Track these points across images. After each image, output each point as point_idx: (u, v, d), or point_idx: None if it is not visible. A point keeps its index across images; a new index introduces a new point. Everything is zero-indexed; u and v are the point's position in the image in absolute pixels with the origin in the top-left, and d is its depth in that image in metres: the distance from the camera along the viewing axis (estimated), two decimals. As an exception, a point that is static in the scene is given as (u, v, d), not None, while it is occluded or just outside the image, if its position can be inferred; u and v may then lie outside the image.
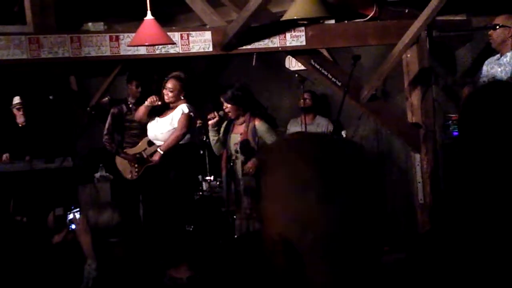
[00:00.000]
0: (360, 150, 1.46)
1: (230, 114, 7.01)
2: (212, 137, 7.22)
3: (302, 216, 1.36)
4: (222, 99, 6.99)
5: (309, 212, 1.36)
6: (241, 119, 7.05)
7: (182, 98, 7.62)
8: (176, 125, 7.59)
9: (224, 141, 7.17)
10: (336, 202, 1.36)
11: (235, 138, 7.08)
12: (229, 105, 6.97)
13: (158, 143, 7.85)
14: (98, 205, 5.28)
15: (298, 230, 1.36)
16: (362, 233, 1.39)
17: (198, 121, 8.14)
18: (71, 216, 5.52)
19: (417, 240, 2.20)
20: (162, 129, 7.70)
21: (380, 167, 1.73)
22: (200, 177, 8.37)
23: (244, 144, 6.97)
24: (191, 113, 7.52)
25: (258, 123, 6.94)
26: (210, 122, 7.15)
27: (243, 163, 7.10)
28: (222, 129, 7.22)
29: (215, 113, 7.13)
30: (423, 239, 2.15)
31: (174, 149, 7.61)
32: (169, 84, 7.59)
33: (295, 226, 1.37)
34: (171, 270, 4.40)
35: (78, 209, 5.55)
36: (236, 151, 7.13)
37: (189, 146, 7.76)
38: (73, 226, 5.29)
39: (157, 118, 7.72)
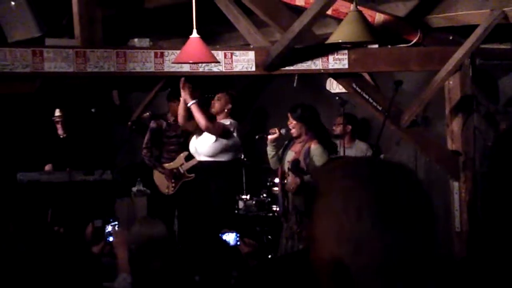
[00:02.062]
0: (414, 175, 1.47)
1: (293, 131, 6.98)
2: (269, 152, 7.20)
3: (357, 238, 1.38)
4: (289, 115, 6.97)
5: (363, 235, 1.37)
6: (302, 138, 7.00)
7: (226, 111, 7.72)
8: (214, 139, 7.63)
9: (281, 157, 7.16)
10: (391, 227, 1.37)
11: (290, 155, 7.06)
12: (294, 122, 6.95)
13: (197, 156, 7.88)
14: (146, 219, 5.30)
15: (352, 251, 1.38)
16: (416, 257, 1.39)
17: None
18: (109, 228, 5.55)
19: (453, 268, 2.20)
20: (203, 142, 7.73)
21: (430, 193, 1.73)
22: (236, 195, 8.41)
23: (294, 163, 6.95)
24: (230, 127, 7.58)
25: (314, 146, 6.88)
26: (270, 137, 7.15)
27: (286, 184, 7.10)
28: (284, 144, 7.23)
29: (277, 130, 7.13)
30: (458, 267, 2.14)
31: (217, 166, 7.64)
32: (219, 95, 7.75)
33: (348, 247, 1.38)
34: None
35: (116, 222, 5.59)
36: (288, 169, 7.14)
37: (232, 163, 7.80)
38: (111, 239, 5.33)
39: (197, 135, 7.78)
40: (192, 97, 7.40)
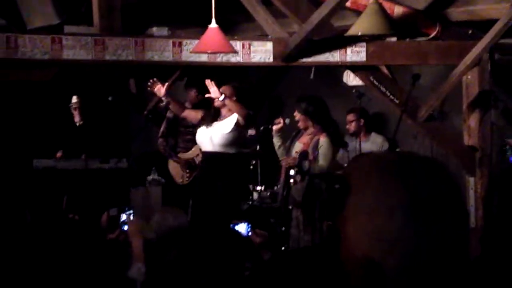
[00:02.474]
0: (446, 170, 1.45)
1: (300, 124, 7.01)
2: (276, 142, 7.22)
3: (389, 236, 1.36)
4: (295, 108, 7.00)
5: (396, 232, 1.35)
6: (310, 130, 7.02)
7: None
8: (228, 130, 7.51)
9: (288, 148, 7.18)
10: (424, 225, 1.36)
11: (298, 146, 7.07)
12: (299, 115, 6.97)
13: (205, 146, 7.73)
14: (167, 209, 5.30)
15: (384, 250, 1.36)
16: (449, 255, 1.38)
17: (251, 131, 8.16)
18: (124, 217, 5.58)
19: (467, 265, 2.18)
20: (215, 132, 7.61)
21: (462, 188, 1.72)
22: (251, 186, 8.39)
23: (302, 155, 6.97)
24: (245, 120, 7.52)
25: (322, 139, 6.89)
26: (274, 127, 7.16)
27: (296, 173, 7.10)
28: (292, 135, 7.24)
29: (281, 120, 7.15)
30: (473, 265, 2.13)
31: (222, 159, 7.57)
32: (222, 89, 7.61)
33: (380, 246, 1.36)
34: None
35: (132, 211, 5.61)
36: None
37: (237, 156, 7.71)
38: (126, 227, 5.35)
39: (206, 126, 7.66)
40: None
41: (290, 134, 7.35)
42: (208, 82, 7.10)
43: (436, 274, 1.36)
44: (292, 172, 6.96)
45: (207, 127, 7.63)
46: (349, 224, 1.41)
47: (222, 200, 7.50)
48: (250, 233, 5.10)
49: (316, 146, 6.91)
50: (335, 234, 1.45)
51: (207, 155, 7.64)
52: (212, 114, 7.54)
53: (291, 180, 7.04)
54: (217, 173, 7.49)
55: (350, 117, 8.15)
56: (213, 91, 7.14)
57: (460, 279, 1.40)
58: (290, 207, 7.21)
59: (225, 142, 7.49)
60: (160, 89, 7.24)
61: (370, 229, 1.37)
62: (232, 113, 7.50)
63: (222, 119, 7.57)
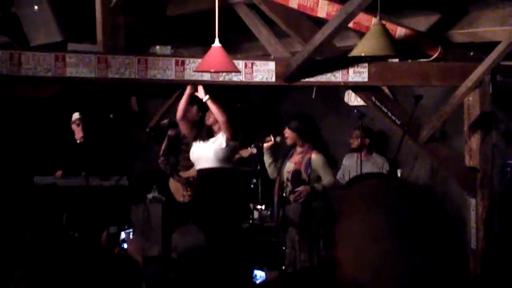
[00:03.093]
0: (435, 198, 1.47)
1: (288, 140, 7.09)
2: (266, 159, 7.28)
3: (375, 263, 1.39)
4: (285, 125, 7.06)
5: (381, 258, 1.39)
6: (299, 149, 7.09)
7: None
8: (224, 144, 7.49)
9: (280, 167, 7.21)
10: (410, 251, 1.38)
11: (289, 166, 7.13)
12: (289, 131, 7.05)
13: (201, 163, 7.72)
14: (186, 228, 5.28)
15: (371, 276, 1.40)
16: (435, 280, 1.39)
17: (252, 149, 8.15)
18: (124, 235, 5.57)
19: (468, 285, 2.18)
20: (208, 149, 7.59)
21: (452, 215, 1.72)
22: (251, 205, 8.39)
23: (295, 174, 7.02)
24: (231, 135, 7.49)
25: (314, 156, 6.98)
26: (265, 145, 7.21)
27: (290, 193, 7.13)
28: (282, 154, 7.27)
29: (271, 137, 7.20)
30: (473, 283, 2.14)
31: (220, 174, 7.56)
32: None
33: (368, 272, 1.40)
34: None
35: (131, 229, 5.60)
36: (288, 179, 7.18)
37: (233, 171, 7.71)
38: (125, 245, 5.35)
39: (202, 142, 7.66)
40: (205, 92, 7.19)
41: (282, 152, 7.38)
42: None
43: None
44: (287, 191, 7.00)
45: (201, 144, 7.64)
46: (339, 250, 1.46)
47: (222, 214, 7.49)
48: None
49: (308, 165, 6.98)
50: (330, 258, 1.48)
51: (203, 172, 7.63)
52: (205, 132, 7.58)
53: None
54: (215, 188, 7.49)
55: (356, 133, 8.17)
56: (200, 90, 7.09)
57: None
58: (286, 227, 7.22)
59: (220, 157, 7.50)
60: (200, 90, 7.17)
61: (357, 255, 1.42)
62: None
63: (216, 135, 7.61)
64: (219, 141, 7.52)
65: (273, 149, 7.30)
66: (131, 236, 5.52)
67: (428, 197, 1.46)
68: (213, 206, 7.49)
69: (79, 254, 1.57)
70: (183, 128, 7.81)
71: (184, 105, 7.47)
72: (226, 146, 7.49)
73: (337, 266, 1.46)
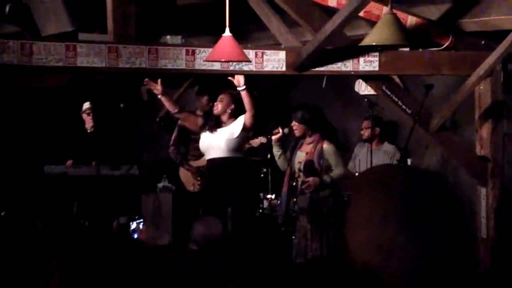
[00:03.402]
0: (444, 182, 1.49)
1: (296, 132, 7.09)
2: (275, 151, 7.28)
3: (384, 244, 1.42)
4: (292, 117, 7.07)
5: (390, 240, 1.42)
6: (309, 139, 7.09)
7: (229, 111, 7.62)
8: (236, 134, 7.52)
9: (290, 158, 7.22)
10: (418, 234, 1.40)
11: (300, 156, 7.12)
12: (296, 124, 7.05)
13: (211, 153, 7.75)
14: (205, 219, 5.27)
15: (381, 257, 1.42)
16: (445, 264, 1.41)
17: (262, 139, 8.17)
18: (134, 225, 5.59)
19: (479, 277, 2.22)
20: (220, 138, 7.62)
21: (463, 201, 1.73)
22: (261, 194, 8.40)
23: (308, 164, 7.02)
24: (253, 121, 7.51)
25: (326, 146, 6.99)
26: (273, 137, 7.22)
27: (303, 183, 7.14)
28: (291, 145, 7.27)
29: (280, 129, 7.20)
30: (485, 276, 2.16)
31: (230, 163, 7.58)
32: (221, 96, 7.68)
33: (377, 254, 1.43)
34: None
35: (142, 219, 5.62)
36: (299, 170, 7.18)
37: (244, 161, 7.74)
38: (136, 236, 5.37)
39: (210, 132, 7.67)
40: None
41: (290, 143, 7.38)
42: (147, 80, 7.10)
43: (434, 279, 1.41)
44: (300, 181, 7.01)
45: (210, 134, 7.65)
46: (349, 236, 1.49)
47: (233, 204, 7.52)
48: None
49: (320, 154, 6.98)
50: (342, 245, 1.53)
51: (214, 162, 7.66)
52: (213, 121, 7.59)
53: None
54: (226, 178, 7.52)
55: (366, 123, 8.16)
56: (238, 78, 7.07)
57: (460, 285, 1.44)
58: (295, 216, 7.23)
59: (232, 147, 7.52)
60: (156, 86, 7.29)
61: (367, 239, 1.45)
62: (235, 119, 7.56)
63: (226, 125, 7.62)
64: (231, 130, 7.53)
65: (282, 140, 7.30)
66: (141, 227, 5.53)
67: (439, 183, 1.49)
68: (223, 196, 7.52)
69: (114, 246, 1.57)
70: (188, 121, 7.83)
71: (167, 101, 7.53)
72: (238, 135, 7.51)
73: (348, 252, 1.49)
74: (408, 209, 1.42)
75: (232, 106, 7.60)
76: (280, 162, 7.36)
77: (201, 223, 4.98)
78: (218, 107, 7.58)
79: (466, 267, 1.45)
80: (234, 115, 7.62)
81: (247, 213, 7.75)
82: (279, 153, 7.30)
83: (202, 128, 7.69)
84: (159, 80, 7.29)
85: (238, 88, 7.18)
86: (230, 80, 7.13)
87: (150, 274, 1.52)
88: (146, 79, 7.17)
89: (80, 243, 1.57)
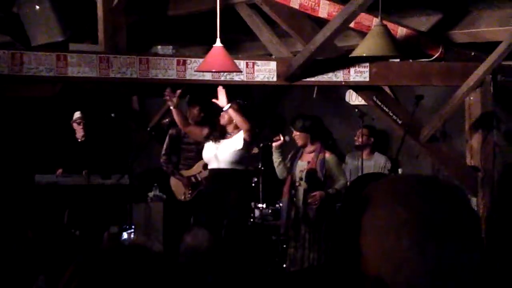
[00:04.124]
0: (458, 192, 1.49)
1: (298, 141, 7.05)
2: (276, 158, 7.22)
3: (397, 256, 1.41)
4: (291, 127, 7.04)
5: (403, 253, 1.41)
6: (311, 148, 7.04)
7: (235, 122, 7.63)
8: (239, 147, 7.52)
9: (290, 167, 7.18)
10: (431, 247, 1.40)
11: (302, 165, 7.08)
12: (297, 133, 7.02)
13: (214, 163, 7.73)
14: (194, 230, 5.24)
15: (392, 270, 1.41)
16: (459, 276, 1.41)
17: (255, 149, 8.17)
18: (125, 235, 5.58)
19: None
20: (224, 150, 7.60)
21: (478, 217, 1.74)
22: (252, 204, 8.40)
23: (310, 173, 6.99)
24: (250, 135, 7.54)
25: (328, 156, 6.94)
26: (274, 144, 7.17)
27: (306, 191, 7.12)
28: (290, 154, 7.25)
29: (281, 136, 7.17)
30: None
31: (235, 174, 7.58)
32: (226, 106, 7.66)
33: (389, 265, 1.42)
34: None
35: (132, 229, 5.61)
36: (301, 178, 7.16)
37: (245, 173, 7.74)
38: (127, 246, 5.35)
39: (214, 142, 7.68)
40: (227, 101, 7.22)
41: (289, 152, 7.37)
42: (220, 88, 7.01)
43: None
44: (300, 192, 6.98)
45: (215, 144, 7.61)
46: (363, 242, 1.47)
47: (232, 218, 7.52)
48: None
49: (323, 164, 6.94)
50: (349, 252, 1.51)
51: (216, 172, 7.61)
52: (218, 132, 7.54)
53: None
54: (226, 189, 7.49)
55: (363, 131, 8.14)
56: (221, 99, 7.05)
57: None
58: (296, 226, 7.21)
59: (236, 159, 7.48)
60: (173, 99, 7.18)
61: (380, 249, 1.43)
62: (239, 130, 7.51)
63: (230, 137, 7.59)
64: (234, 142, 7.48)
65: (282, 148, 7.28)
66: (132, 236, 5.52)
67: (457, 197, 1.48)
68: (222, 206, 7.52)
69: (129, 254, 1.59)
70: (194, 134, 7.77)
71: (177, 116, 7.43)
72: (243, 147, 7.51)
73: (361, 258, 1.48)
74: (422, 224, 1.41)
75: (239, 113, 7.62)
76: (279, 169, 7.30)
77: (190, 235, 4.95)
78: (224, 118, 7.53)
79: (478, 284, 1.44)
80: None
81: (242, 225, 7.74)
82: (279, 160, 7.24)
83: (207, 139, 7.64)
84: (177, 92, 7.19)
85: (224, 109, 7.13)
86: (213, 101, 7.09)
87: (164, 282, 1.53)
88: (168, 89, 7.06)
89: (95, 254, 1.59)
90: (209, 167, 7.73)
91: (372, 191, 1.52)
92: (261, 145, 7.96)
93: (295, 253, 7.16)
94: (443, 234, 1.41)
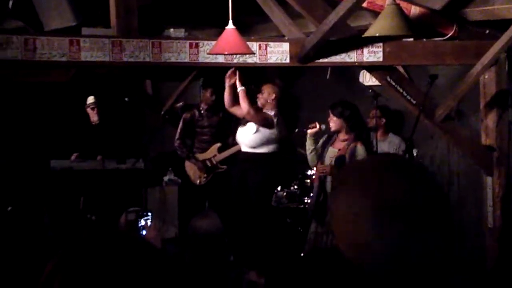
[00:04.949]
0: (424, 176, 1.49)
1: (332, 126, 6.96)
2: (309, 145, 7.18)
3: (358, 241, 1.46)
4: (330, 112, 6.97)
5: (362, 238, 1.45)
6: (344, 136, 6.94)
7: (270, 102, 7.82)
8: (254, 130, 7.73)
9: (321, 153, 7.13)
10: (387, 232, 1.42)
11: (333, 152, 7.01)
12: (334, 118, 6.94)
13: (243, 147, 7.99)
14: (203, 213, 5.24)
15: (355, 254, 1.46)
16: (421, 260, 1.41)
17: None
18: (143, 222, 5.57)
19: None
20: (245, 133, 7.84)
21: (446, 196, 1.71)
22: (279, 187, 8.42)
23: (340, 159, 6.90)
24: (273, 118, 7.66)
25: (360, 146, 6.86)
26: (309, 131, 7.15)
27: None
28: (321, 141, 7.22)
29: (317, 124, 7.14)
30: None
31: (257, 157, 7.74)
32: (263, 87, 7.86)
33: (353, 249, 1.47)
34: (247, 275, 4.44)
35: (150, 215, 5.58)
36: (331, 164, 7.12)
37: (272, 156, 7.88)
38: (144, 232, 5.36)
39: (242, 126, 7.90)
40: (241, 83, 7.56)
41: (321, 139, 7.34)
42: (232, 70, 7.33)
43: (414, 273, 1.42)
44: (328, 179, 6.93)
45: (243, 127, 7.85)
46: (333, 228, 1.54)
47: (253, 201, 7.65)
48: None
49: (353, 153, 6.84)
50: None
51: (241, 155, 7.94)
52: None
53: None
54: (250, 172, 7.71)
55: (374, 112, 8.12)
56: (235, 80, 7.47)
57: (441, 280, 1.45)
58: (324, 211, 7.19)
59: (254, 143, 7.70)
60: (236, 79, 7.49)
61: (343, 234, 1.49)
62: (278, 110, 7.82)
63: (249, 122, 7.80)
64: (252, 126, 7.74)
65: (317, 136, 7.25)
66: (149, 223, 5.50)
67: (418, 178, 1.48)
68: (245, 191, 7.71)
69: (114, 245, 1.55)
70: (237, 114, 7.95)
71: (228, 95, 7.70)
72: (256, 132, 7.63)
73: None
74: (381, 208, 1.43)
75: (273, 96, 7.84)
76: (311, 157, 7.25)
77: (200, 218, 4.95)
78: (260, 99, 7.85)
79: (444, 261, 1.45)
80: (277, 106, 7.92)
81: (262, 209, 7.84)
82: (312, 147, 7.19)
83: (241, 122, 8.00)
84: (237, 73, 7.50)
85: (238, 88, 7.39)
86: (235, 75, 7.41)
87: (152, 275, 1.49)
88: (231, 70, 7.40)
89: (80, 244, 1.55)
90: (242, 149, 8.02)
91: (341, 177, 1.57)
92: (296, 130, 8.07)
93: (322, 238, 7.08)
94: (401, 217, 1.42)
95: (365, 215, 1.43)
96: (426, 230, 1.43)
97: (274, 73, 8.23)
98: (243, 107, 7.55)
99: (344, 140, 6.95)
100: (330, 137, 7.14)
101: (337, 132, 6.98)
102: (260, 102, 7.86)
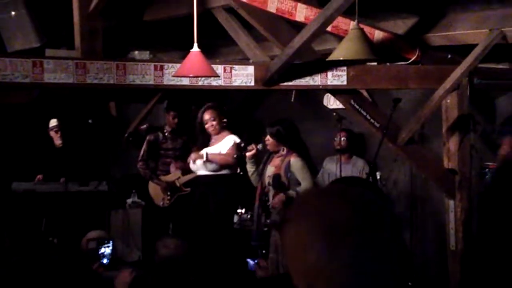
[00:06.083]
0: (368, 203, 1.50)
1: (269, 147, 7.08)
2: (249, 168, 7.26)
3: (308, 273, 1.44)
4: (267, 131, 7.06)
5: (313, 269, 1.43)
6: (280, 152, 7.09)
7: (225, 125, 7.79)
8: (226, 151, 7.71)
9: (261, 172, 7.21)
10: (339, 257, 1.42)
11: (270, 170, 7.11)
12: (270, 139, 7.03)
13: (202, 170, 7.90)
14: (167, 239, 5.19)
15: (311, 280, 1.44)
16: (378, 276, 1.42)
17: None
18: (103, 249, 5.53)
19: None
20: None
21: (389, 212, 1.72)
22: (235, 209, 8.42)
23: (275, 178, 7.01)
24: (242, 144, 7.66)
25: (293, 159, 6.98)
26: (248, 154, 7.20)
27: (274, 197, 7.13)
28: (263, 160, 7.27)
29: (254, 146, 7.20)
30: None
31: (219, 179, 7.70)
32: (207, 115, 7.74)
33: (303, 282, 1.45)
34: None
35: (111, 243, 5.51)
36: (269, 183, 7.18)
37: (232, 177, 7.85)
38: (105, 261, 5.33)
39: (204, 150, 7.81)
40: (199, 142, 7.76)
41: (262, 159, 7.39)
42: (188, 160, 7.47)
43: None
44: (271, 195, 6.99)
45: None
46: (285, 258, 1.51)
47: (215, 222, 7.60)
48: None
49: (288, 168, 6.96)
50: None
51: (202, 179, 7.81)
52: (202, 139, 7.70)
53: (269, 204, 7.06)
54: (211, 195, 7.64)
55: (343, 134, 8.18)
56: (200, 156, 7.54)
57: None
58: (268, 231, 7.22)
59: (213, 167, 7.67)
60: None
61: (293, 267, 1.48)
62: (225, 135, 7.66)
63: (215, 143, 7.72)
64: (217, 149, 7.69)
65: (256, 157, 7.30)
66: (109, 251, 5.46)
67: (363, 199, 1.49)
68: (208, 213, 7.65)
69: (60, 267, 1.55)
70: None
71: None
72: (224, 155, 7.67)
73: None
74: (326, 232, 1.43)
75: (224, 120, 7.79)
76: (254, 178, 7.34)
77: (163, 244, 4.91)
78: (213, 125, 7.77)
79: (395, 283, 1.45)
80: (226, 127, 7.89)
81: (223, 231, 7.80)
82: (253, 169, 7.28)
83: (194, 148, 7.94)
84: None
85: (204, 159, 7.67)
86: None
87: None
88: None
89: (25, 263, 1.55)
90: (198, 174, 7.90)
91: (287, 215, 1.55)
92: (235, 155, 8.09)
93: (273, 258, 7.13)
94: (352, 239, 1.42)
95: (315, 243, 1.43)
96: (374, 247, 1.43)
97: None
98: (228, 162, 7.69)
99: (279, 157, 7.05)
100: (269, 156, 7.23)
101: (273, 151, 7.10)
102: (212, 128, 7.80)
